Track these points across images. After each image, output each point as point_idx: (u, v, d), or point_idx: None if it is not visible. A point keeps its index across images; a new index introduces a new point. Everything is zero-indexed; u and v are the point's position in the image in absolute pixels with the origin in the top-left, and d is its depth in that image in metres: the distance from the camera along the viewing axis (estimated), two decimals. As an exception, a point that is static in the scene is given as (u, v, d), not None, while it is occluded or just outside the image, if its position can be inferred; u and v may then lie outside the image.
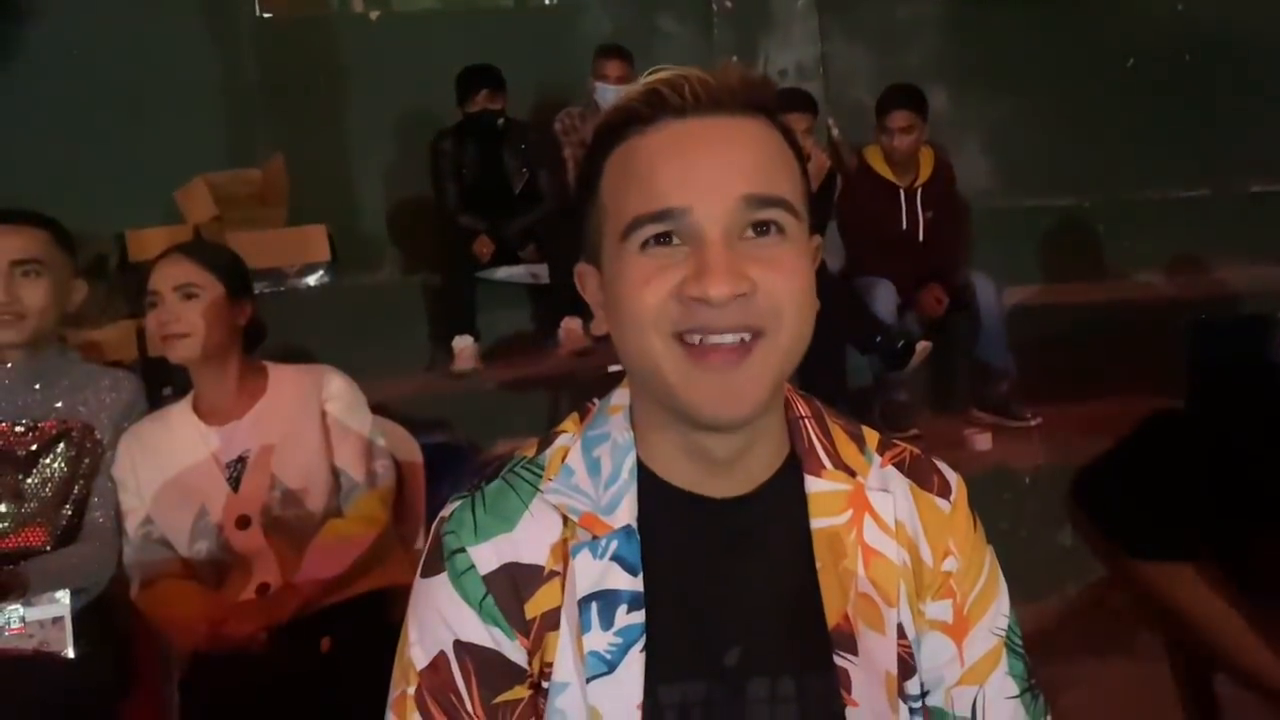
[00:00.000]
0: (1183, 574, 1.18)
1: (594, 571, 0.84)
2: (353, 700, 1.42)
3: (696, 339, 0.79)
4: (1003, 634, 0.93)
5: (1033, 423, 3.77)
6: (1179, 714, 1.38)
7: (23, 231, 1.92)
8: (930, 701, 0.92)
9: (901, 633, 0.88)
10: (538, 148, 4.35)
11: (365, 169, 5.02)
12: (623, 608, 0.83)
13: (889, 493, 0.90)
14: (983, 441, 3.60)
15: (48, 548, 1.89)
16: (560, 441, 0.91)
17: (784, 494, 0.88)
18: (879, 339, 3.67)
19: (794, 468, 0.90)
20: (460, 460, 2.96)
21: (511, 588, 0.85)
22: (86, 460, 1.93)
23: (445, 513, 0.89)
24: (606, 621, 0.83)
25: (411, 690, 0.85)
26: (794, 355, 0.82)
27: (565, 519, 0.86)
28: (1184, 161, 5.07)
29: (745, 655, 0.85)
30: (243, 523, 1.88)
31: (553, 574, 0.85)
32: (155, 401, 2.08)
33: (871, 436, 0.95)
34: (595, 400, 0.95)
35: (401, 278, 4.82)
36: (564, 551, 0.85)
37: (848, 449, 0.92)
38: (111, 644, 1.91)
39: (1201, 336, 3.44)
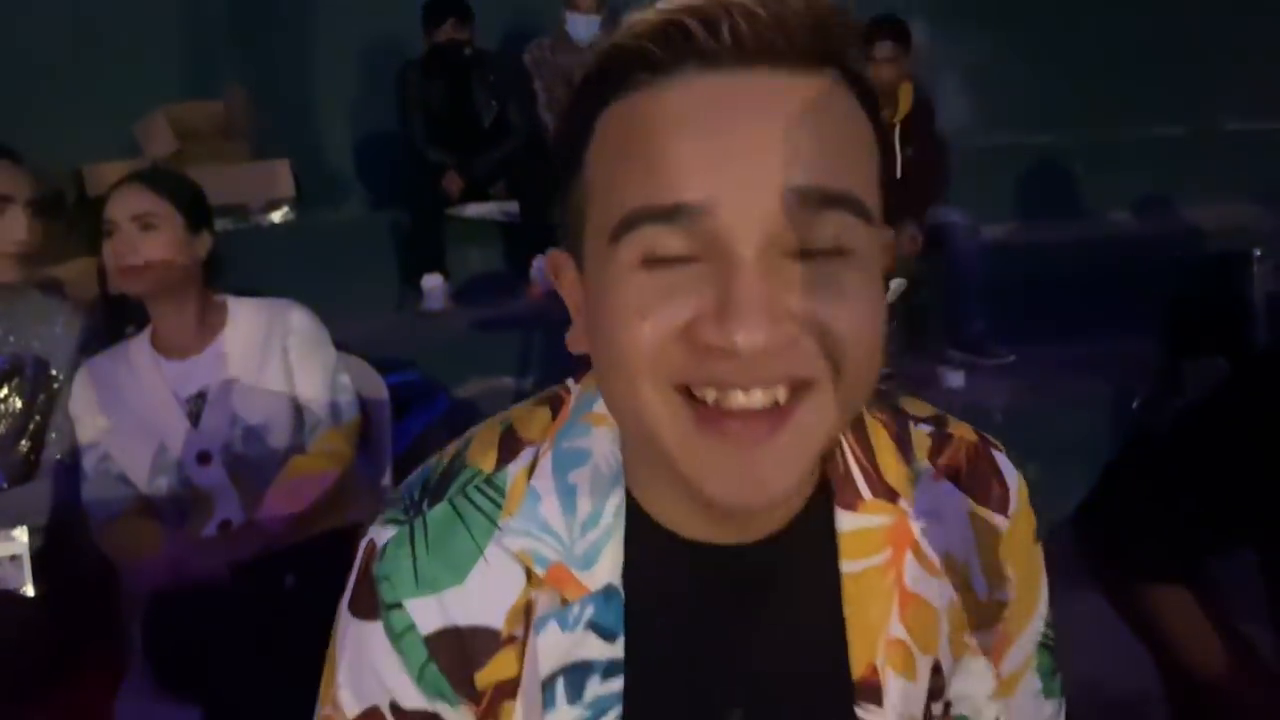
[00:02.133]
0: (1177, 597, 1.14)
1: (563, 645, 0.68)
2: (316, 638, 1.39)
3: (711, 396, 0.57)
4: (1040, 638, 0.82)
5: (1007, 360, 3.77)
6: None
7: None
8: (954, 711, 0.79)
9: (936, 669, 0.74)
10: (507, 80, 4.26)
11: (330, 102, 4.90)
12: (595, 678, 0.68)
13: (939, 521, 0.73)
14: (956, 379, 3.61)
15: (4, 485, 1.85)
16: (524, 457, 0.71)
17: (810, 534, 0.70)
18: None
19: (824, 497, 0.71)
20: (427, 397, 2.92)
21: (459, 654, 0.68)
22: (42, 396, 1.88)
23: (377, 538, 0.71)
24: (574, 694, 0.68)
25: None
26: (857, 402, 0.61)
27: (528, 569, 0.68)
28: (1162, 99, 5.04)
29: (749, 715, 0.71)
30: (203, 459, 1.84)
31: (510, 639, 0.68)
32: (117, 339, 2.03)
33: (921, 439, 0.75)
34: (570, 385, 0.75)
35: (368, 214, 4.73)
36: (525, 615, 0.68)
37: (890, 463, 0.73)
38: (71, 581, 1.88)
39: (1175, 274, 3.44)
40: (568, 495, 0.69)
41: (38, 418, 1.89)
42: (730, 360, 0.55)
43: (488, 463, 0.71)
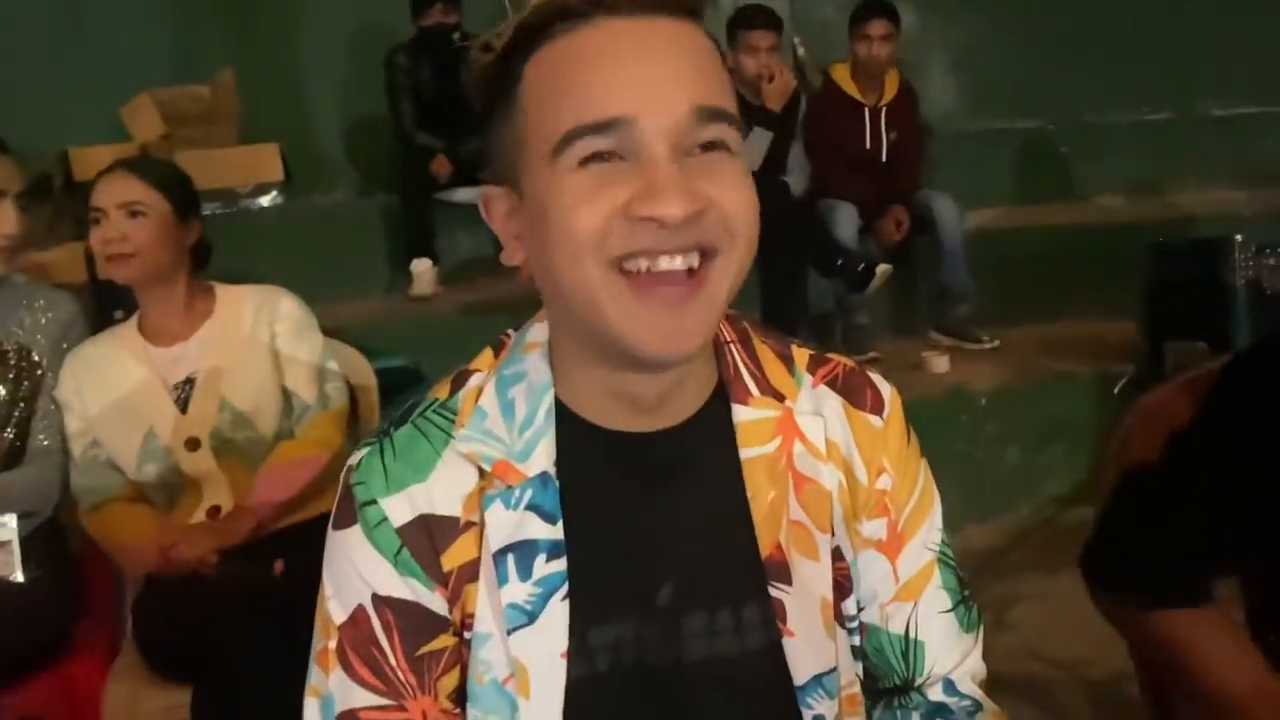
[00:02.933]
0: (1209, 619, 1.10)
1: (508, 523, 0.79)
2: (306, 623, 1.41)
3: (642, 265, 0.72)
4: (936, 549, 0.92)
5: (989, 345, 3.80)
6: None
7: None
8: (865, 618, 0.90)
9: (838, 556, 0.85)
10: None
11: (319, 86, 4.87)
12: (541, 557, 0.79)
13: (820, 416, 0.85)
14: (941, 363, 3.63)
15: (-9, 472, 1.86)
16: (473, 382, 0.84)
17: (711, 425, 0.83)
18: (840, 262, 3.66)
19: (721, 397, 0.84)
20: (415, 384, 2.94)
21: (427, 540, 0.79)
22: (26, 382, 1.89)
23: (353, 460, 0.83)
24: (524, 572, 0.79)
25: (333, 644, 0.81)
26: (742, 276, 0.76)
27: (480, 468, 0.80)
28: (1148, 84, 5.06)
29: (679, 591, 0.82)
30: (192, 445, 1.86)
31: (469, 524, 0.79)
32: (106, 324, 2.04)
33: (801, 356, 0.89)
34: (511, 332, 0.88)
35: (357, 199, 4.72)
36: (479, 502, 0.80)
37: (776, 371, 0.87)
38: (61, 567, 1.89)
39: (1158, 259, 3.47)
40: (508, 407, 0.82)
41: (22, 404, 1.89)
42: (657, 231, 0.71)
43: (443, 392, 0.85)
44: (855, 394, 0.88)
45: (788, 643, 0.82)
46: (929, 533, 0.91)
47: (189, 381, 1.89)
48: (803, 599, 0.83)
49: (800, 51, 4.88)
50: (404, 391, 2.82)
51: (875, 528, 0.89)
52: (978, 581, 2.94)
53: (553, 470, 0.80)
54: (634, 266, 0.72)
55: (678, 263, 0.72)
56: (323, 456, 1.88)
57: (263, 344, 1.92)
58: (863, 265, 3.67)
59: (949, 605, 0.92)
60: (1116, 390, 3.38)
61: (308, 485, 1.85)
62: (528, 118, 0.75)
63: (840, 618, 0.85)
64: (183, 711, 1.61)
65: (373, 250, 4.21)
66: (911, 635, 0.91)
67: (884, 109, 4.04)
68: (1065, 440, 3.31)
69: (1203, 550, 1.08)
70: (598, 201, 0.71)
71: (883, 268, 3.67)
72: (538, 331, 0.84)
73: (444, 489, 0.80)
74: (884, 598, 0.90)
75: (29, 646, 1.78)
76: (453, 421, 0.82)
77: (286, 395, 1.92)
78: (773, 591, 0.82)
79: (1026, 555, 2.96)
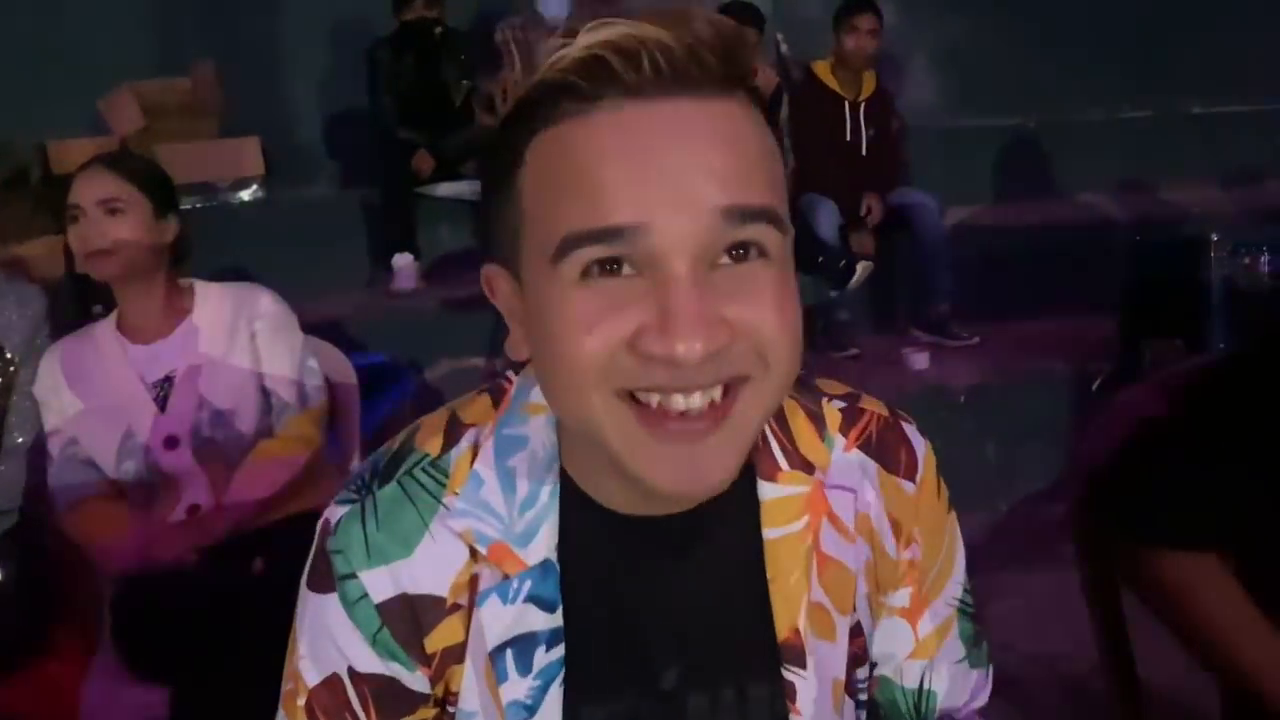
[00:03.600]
0: (1205, 565, 1.08)
1: (506, 618, 0.73)
2: (285, 622, 1.42)
3: (654, 400, 0.63)
4: (957, 603, 0.88)
5: (971, 342, 3.83)
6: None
7: None
8: (878, 672, 0.87)
9: (856, 632, 0.80)
10: (478, 58, 4.24)
11: (301, 79, 4.86)
12: (541, 649, 0.74)
13: (852, 491, 0.79)
14: (920, 360, 3.65)
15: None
16: (468, 439, 0.76)
17: (734, 503, 0.75)
18: (821, 259, 3.68)
19: (747, 470, 0.76)
20: (398, 380, 2.93)
21: (410, 620, 0.74)
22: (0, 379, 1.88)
23: (332, 517, 0.76)
24: (524, 667, 0.73)
25: (302, 701, 0.78)
26: (780, 397, 0.67)
27: (473, 548, 0.74)
28: (1129, 82, 5.09)
29: (684, 675, 0.77)
30: (171, 443, 1.85)
31: (455, 606, 0.74)
32: (85, 319, 2.03)
33: (833, 416, 0.81)
34: (511, 377, 0.79)
35: (339, 192, 4.71)
36: (469, 587, 0.74)
37: (807, 437, 0.79)
38: (38, 566, 1.88)
39: (1136, 257, 3.50)
40: (507, 478, 0.74)
41: (-4, 401, 1.88)
42: (672, 368, 0.61)
43: (434, 447, 0.77)
44: (889, 456, 0.82)
45: None
46: (952, 588, 0.88)
47: (168, 379, 1.88)
48: (815, 681, 0.78)
49: (783, 48, 4.89)
50: (384, 388, 2.82)
51: (900, 597, 0.84)
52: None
53: (555, 557, 0.74)
54: (646, 399, 0.63)
55: (695, 401, 0.62)
56: (301, 455, 1.88)
57: (242, 342, 1.91)
58: (844, 262, 3.69)
59: (963, 654, 0.90)
60: (1094, 387, 3.40)
61: (287, 484, 1.85)
62: (526, 212, 0.65)
63: (852, 690, 0.82)
64: (162, 710, 1.61)
65: (354, 244, 4.20)
66: (925, 687, 0.88)
67: (863, 103, 4.09)
68: (1043, 437, 3.33)
69: (1212, 504, 1.07)
70: (601, 329, 0.61)
71: (863, 264, 3.69)
72: (535, 380, 0.73)
73: (430, 568, 0.74)
74: (900, 657, 0.87)
75: (5, 646, 1.77)
76: (443, 485, 0.75)
77: (266, 393, 1.92)
78: (785, 674, 0.77)
79: (1003, 551, 2.98)
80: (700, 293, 0.60)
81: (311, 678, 0.77)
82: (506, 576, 0.73)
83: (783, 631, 0.77)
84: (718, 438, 0.64)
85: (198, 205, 3.92)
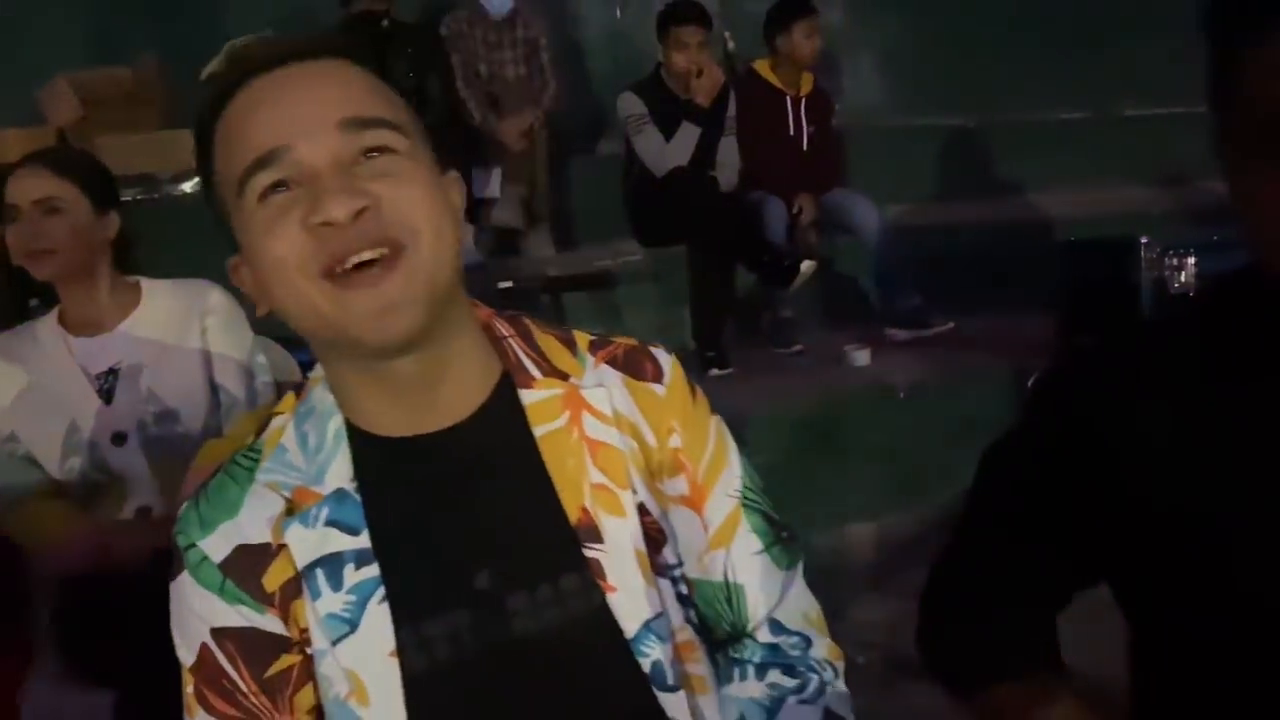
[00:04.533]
0: (1028, 693, 0.99)
1: (309, 540, 0.84)
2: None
3: (341, 269, 0.78)
4: (738, 495, 0.97)
5: (947, 327, 3.86)
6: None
7: None
8: (689, 574, 0.95)
9: (644, 511, 0.90)
10: (425, 52, 4.22)
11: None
12: (349, 567, 0.84)
13: (604, 387, 0.92)
14: (862, 358, 3.72)
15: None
16: (275, 423, 0.90)
17: (501, 412, 0.89)
18: (767, 257, 3.73)
19: (507, 386, 0.90)
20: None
21: (247, 567, 0.85)
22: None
23: (177, 515, 0.90)
24: (336, 583, 0.84)
25: (190, 689, 0.87)
26: (442, 267, 0.81)
27: (285, 498, 0.86)
28: (1064, 84, 5.19)
29: (497, 575, 0.87)
30: (118, 439, 1.84)
31: (280, 548, 0.85)
32: (22, 313, 2.00)
33: (582, 339, 0.96)
34: (311, 375, 0.93)
35: (285, 185, 4.65)
36: (283, 527, 0.86)
37: (559, 355, 0.93)
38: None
39: (1071, 257, 3.59)
40: (304, 440, 0.88)
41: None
42: (337, 234, 0.77)
43: (250, 438, 0.91)
44: (635, 367, 0.95)
45: (611, 598, 0.87)
46: (729, 480, 0.97)
47: (112, 372, 1.86)
48: (617, 554, 0.87)
49: (730, 46, 4.93)
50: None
51: (677, 484, 0.95)
52: (895, 568, 3.04)
53: (350, 486, 0.86)
54: (338, 269, 0.78)
55: (365, 255, 0.78)
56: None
57: (191, 338, 1.90)
58: (788, 260, 3.74)
59: (761, 546, 0.98)
60: (1029, 385, 3.48)
61: (236, 483, 1.84)
62: (221, 179, 0.83)
63: (658, 567, 0.90)
64: (107, 715, 1.60)
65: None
66: (730, 580, 0.96)
67: (804, 99, 4.18)
68: (981, 433, 3.39)
69: (1031, 601, 1.01)
70: (281, 225, 0.78)
71: (807, 264, 3.74)
72: (319, 367, 0.90)
73: (252, 519, 0.86)
74: (699, 549, 0.96)
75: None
76: (257, 462, 0.88)
77: (214, 390, 1.91)
78: (588, 553, 0.87)
79: (941, 541, 3.05)
80: (342, 176, 0.78)
81: (188, 658, 0.87)
82: (306, 509, 0.85)
83: (573, 514, 0.88)
84: (395, 285, 0.78)
85: (139, 197, 3.85)
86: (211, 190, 0.85)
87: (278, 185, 0.79)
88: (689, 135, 3.85)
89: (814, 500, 3.14)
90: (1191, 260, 3.26)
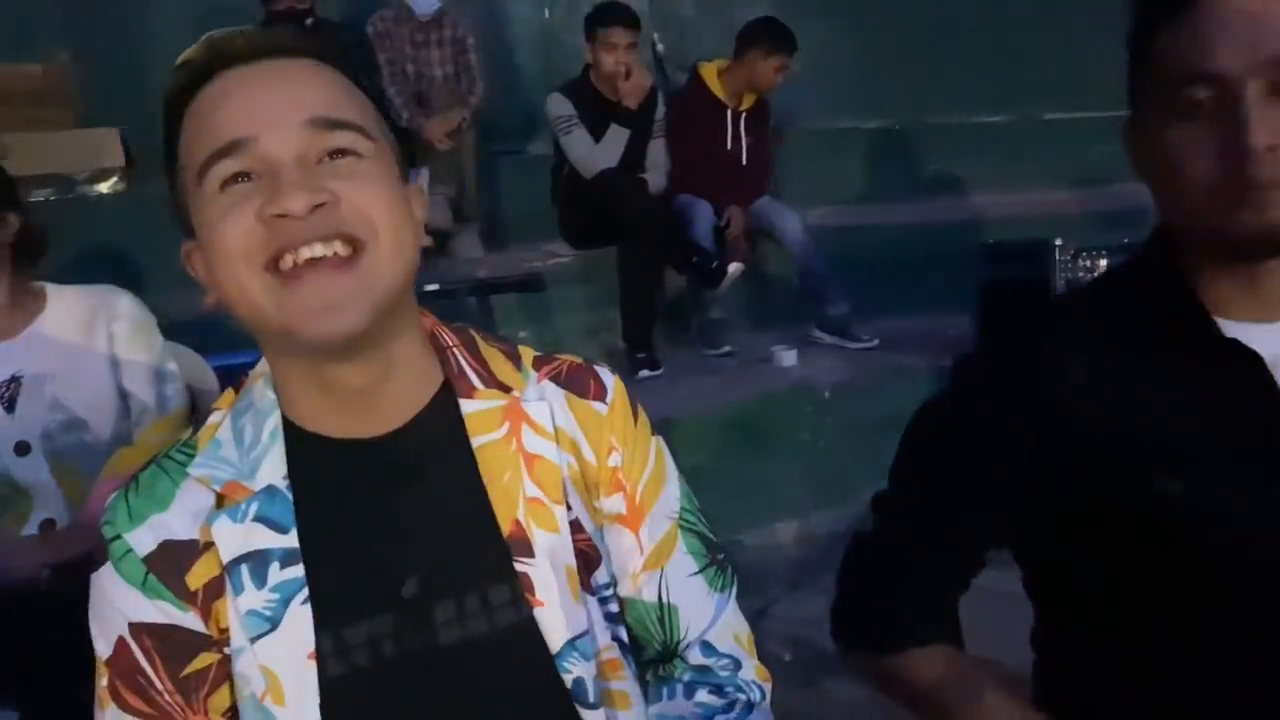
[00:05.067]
0: (934, 658, 1.04)
1: (237, 535, 0.84)
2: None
3: (290, 262, 0.78)
4: (676, 516, 0.98)
5: (871, 344, 3.93)
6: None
7: None
8: (621, 593, 0.96)
9: (578, 528, 0.91)
10: (351, 51, 4.17)
11: (166, 69, 4.67)
12: (275, 565, 0.84)
13: (545, 401, 0.92)
14: (788, 358, 3.76)
15: None
16: (212, 419, 0.90)
17: (440, 421, 0.89)
18: (695, 259, 3.75)
19: (448, 394, 0.90)
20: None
21: (171, 564, 0.84)
22: None
23: (104, 505, 0.88)
24: (259, 581, 0.83)
25: (105, 682, 0.86)
26: (397, 272, 0.81)
27: (215, 493, 0.86)
28: (984, 88, 5.30)
29: (426, 583, 0.86)
30: (21, 449, 1.78)
31: (207, 545, 0.84)
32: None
33: (527, 354, 0.97)
34: (251, 371, 0.93)
35: (206, 185, 4.55)
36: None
37: (503, 367, 0.94)
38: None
39: (989, 259, 3.67)
40: (239, 435, 0.88)
41: None
42: (291, 224, 0.77)
43: (185, 434, 0.91)
44: (579, 385, 0.95)
45: (538, 613, 0.87)
46: (667, 502, 0.98)
47: (15, 380, 1.81)
48: (547, 569, 0.87)
49: (660, 48, 4.96)
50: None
51: (614, 503, 0.95)
52: (820, 565, 3.08)
53: (282, 484, 0.85)
54: (284, 264, 0.78)
55: (318, 249, 0.77)
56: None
57: (99, 345, 1.85)
58: (716, 262, 3.77)
59: (696, 568, 0.99)
60: (952, 363, 3.55)
61: (146, 493, 1.81)
62: (184, 162, 0.83)
63: (589, 586, 0.91)
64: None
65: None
66: (664, 600, 0.97)
67: (744, 113, 4.17)
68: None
69: (921, 597, 1.06)
70: (236, 214, 0.78)
71: (734, 266, 3.78)
72: (262, 362, 0.90)
73: (181, 515, 0.85)
74: (634, 568, 0.97)
75: None
76: (191, 456, 0.87)
77: (124, 397, 1.87)
78: (518, 566, 0.87)
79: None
80: (303, 172, 0.79)
81: (104, 651, 0.86)
82: (236, 504, 0.85)
83: (506, 526, 0.88)
84: (347, 285, 0.78)
85: (51, 198, 3.75)
86: (174, 175, 0.85)
87: (239, 176, 0.79)
88: (618, 137, 3.86)
89: (741, 499, 3.17)
90: (1104, 262, 3.35)
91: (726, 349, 3.92)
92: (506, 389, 0.91)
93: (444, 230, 4.29)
